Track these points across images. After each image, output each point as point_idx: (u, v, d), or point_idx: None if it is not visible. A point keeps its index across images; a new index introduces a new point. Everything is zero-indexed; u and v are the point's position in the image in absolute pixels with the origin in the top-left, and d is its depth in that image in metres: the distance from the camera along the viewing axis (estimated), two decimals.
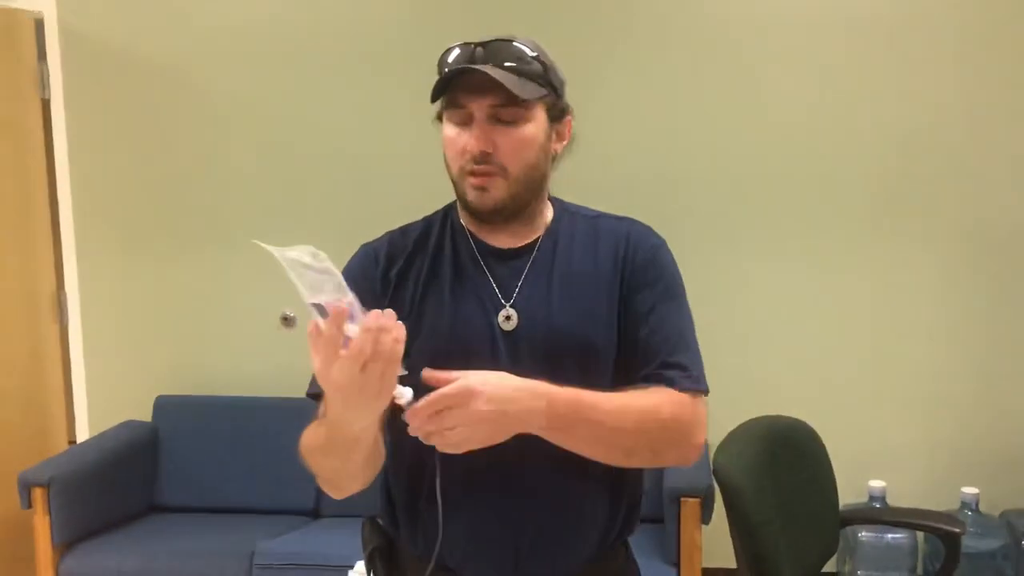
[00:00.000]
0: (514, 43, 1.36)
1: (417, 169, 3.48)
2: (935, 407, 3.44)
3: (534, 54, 1.37)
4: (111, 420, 3.61)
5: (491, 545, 1.39)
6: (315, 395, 1.39)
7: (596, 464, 1.38)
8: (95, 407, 3.76)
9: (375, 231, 1.50)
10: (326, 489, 1.40)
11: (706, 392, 1.39)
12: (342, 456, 1.31)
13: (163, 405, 3.61)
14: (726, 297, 3.43)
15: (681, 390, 1.36)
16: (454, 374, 1.22)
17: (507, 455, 1.33)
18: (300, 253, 1.14)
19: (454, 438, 1.22)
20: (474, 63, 1.33)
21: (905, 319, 3.43)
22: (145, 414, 3.61)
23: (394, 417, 1.41)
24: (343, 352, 1.11)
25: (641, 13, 3.42)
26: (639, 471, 1.50)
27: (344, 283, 1.13)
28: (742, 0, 3.39)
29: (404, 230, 1.49)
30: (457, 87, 1.33)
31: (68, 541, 3.13)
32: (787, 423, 2.54)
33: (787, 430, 2.51)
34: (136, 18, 3.63)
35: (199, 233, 3.68)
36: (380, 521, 1.52)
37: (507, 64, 1.33)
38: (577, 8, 3.41)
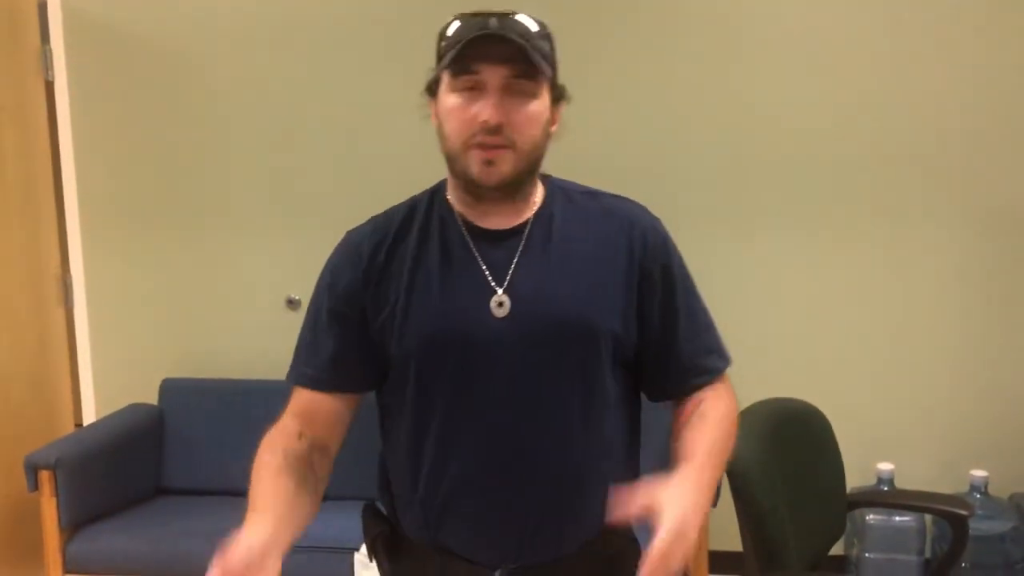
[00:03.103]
0: (524, 18, 1.33)
1: (422, 154, 3.48)
2: (944, 390, 3.42)
3: (544, 32, 1.34)
4: (117, 403, 3.62)
5: (496, 530, 1.38)
6: (301, 383, 1.44)
7: (599, 446, 1.39)
8: (101, 390, 3.77)
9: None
10: None
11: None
12: None
13: (169, 388, 3.61)
14: (733, 280, 3.41)
15: (722, 376, 1.47)
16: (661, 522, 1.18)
17: (511, 443, 1.35)
18: None
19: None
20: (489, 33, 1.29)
21: (914, 302, 3.40)
22: (151, 397, 3.62)
23: (392, 402, 1.41)
24: None
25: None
26: (637, 448, 1.50)
27: None
28: None
29: (388, 214, 1.46)
30: (470, 55, 1.29)
31: (75, 523, 3.14)
32: (795, 406, 2.52)
33: (795, 413, 2.50)
34: None
35: (205, 215, 3.67)
36: (380, 506, 1.52)
37: (518, 38, 1.29)
38: None
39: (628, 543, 1.52)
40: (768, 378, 2.98)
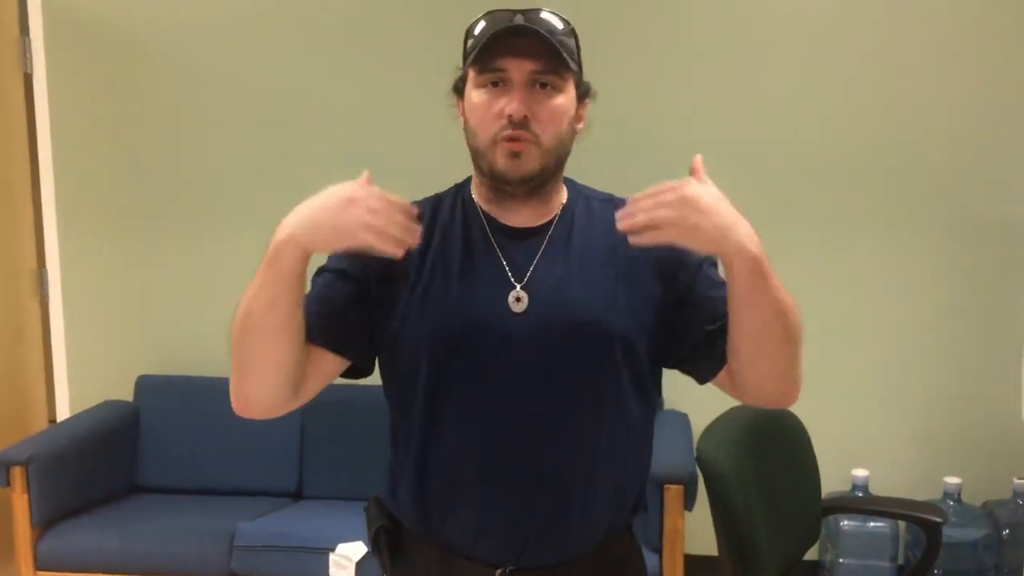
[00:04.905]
0: (549, 15, 1.34)
1: (410, 155, 3.47)
2: (919, 397, 3.44)
3: (569, 29, 1.36)
4: (92, 399, 3.58)
5: (501, 529, 1.37)
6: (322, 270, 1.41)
7: (609, 450, 1.38)
8: (76, 386, 3.73)
9: None
10: (235, 392, 1.37)
11: None
12: (258, 317, 1.30)
13: (145, 385, 3.58)
14: None
15: None
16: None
17: (522, 439, 1.34)
18: None
19: (671, 214, 1.20)
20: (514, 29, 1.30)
21: (890, 309, 3.43)
22: (126, 394, 3.58)
23: (403, 393, 1.40)
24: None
25: (648, 5, 3.41)
26: (648, 458, 1.49)
27: None
28: None
29: (413, 205, 1.45)
30: (495, 50, 1.30)
31: (47, 521, 3.11)
32: (771, 411, 2.53)
33: (771, 418, 2.51)
34: None
35: (183, 211, 3.65)
36: (385, 500, 1.50)
37: (544, 33, 1.30)
38: None
39: (631, 549, 1.52)
40: None
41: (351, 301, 1.38)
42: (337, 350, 1.38)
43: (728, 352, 1.35)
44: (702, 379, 1.44)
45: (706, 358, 1.39)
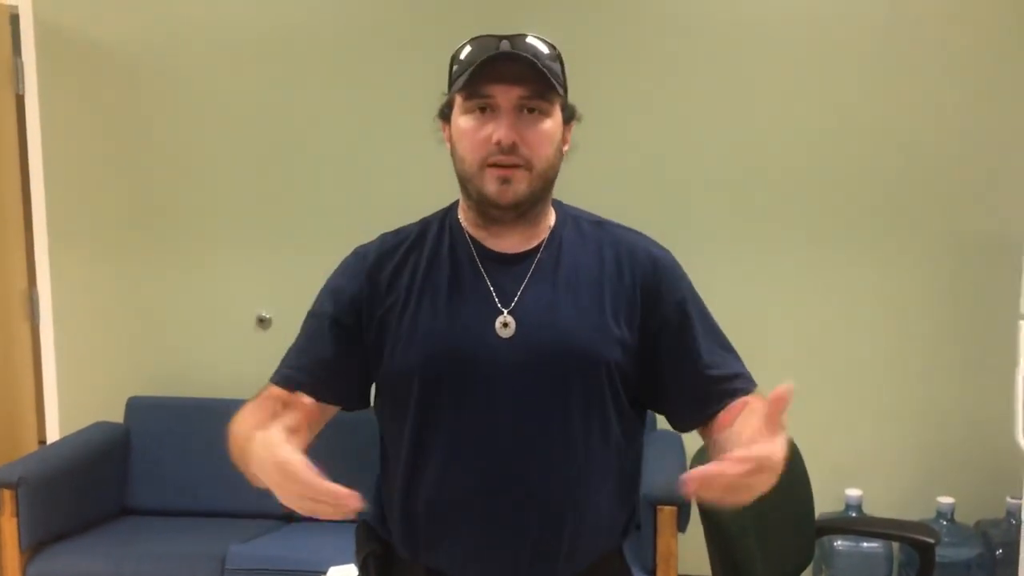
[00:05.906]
0: (535, 40, 1.35)
1: (399, 176, 3.47)
2: (912, 416, 3.44)
3: (555, 53, 1.37)
4: (82, 421, 3.56)
5: (491, 554, 1.37)
6: (277, 382, 1.40)
7: (598, 475, 1.38)
8: (66, 407, 3.71)
9: (360, 235, 1.47)
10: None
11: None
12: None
13: (135, 406, 3.56)
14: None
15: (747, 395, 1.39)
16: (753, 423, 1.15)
17: (511, 464, 1.34)
18: None
19: (745, 495, 1.13)
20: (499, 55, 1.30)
21: (883, 329, 3.43)
22: (117, 415, 3.57)
23: (393, 420, 1.40)
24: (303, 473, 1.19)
25: (638, 13, 3.41)
26: (637, 482, 1.49)
27: None
28: (741, 3, 3.39)
29: (398, 231, 1.47)
30: (483, 77, 1.30)
31: (36, 544, 3.08)
32: None
33: None
34: (113, 13, 3.59)
35: (174, 232, 3.64)
36: (373, 524, 1.50)
37: (530, 59, 1.31)
38: (575, 6, 3.38)
39: (622, 571, 1.52)
40: None
41: (341, 348, 1.40)
42: (338, 403, 1.41)
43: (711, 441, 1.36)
44: (677, 429, 1.47)
45: (689, 415, 1.43)
